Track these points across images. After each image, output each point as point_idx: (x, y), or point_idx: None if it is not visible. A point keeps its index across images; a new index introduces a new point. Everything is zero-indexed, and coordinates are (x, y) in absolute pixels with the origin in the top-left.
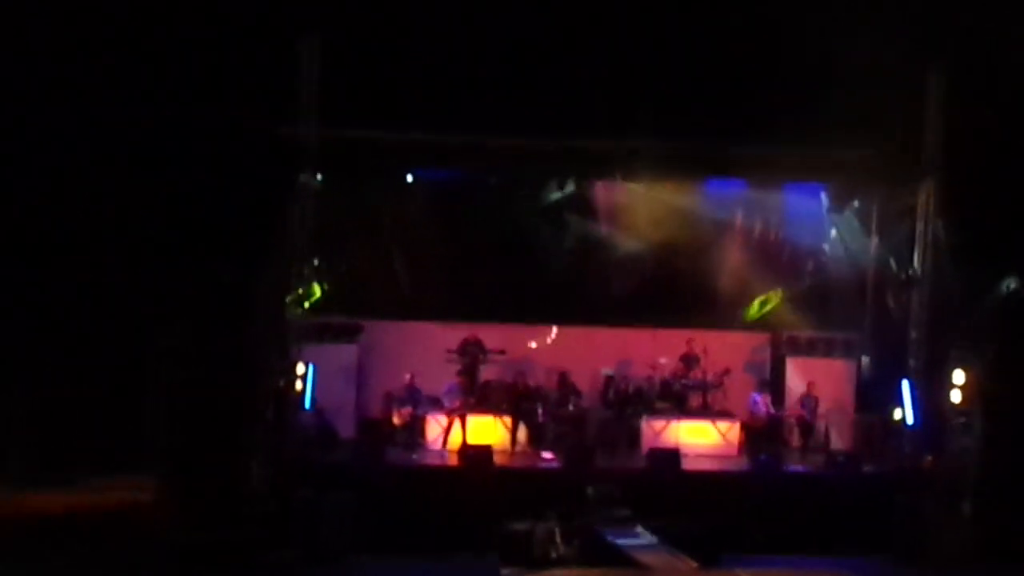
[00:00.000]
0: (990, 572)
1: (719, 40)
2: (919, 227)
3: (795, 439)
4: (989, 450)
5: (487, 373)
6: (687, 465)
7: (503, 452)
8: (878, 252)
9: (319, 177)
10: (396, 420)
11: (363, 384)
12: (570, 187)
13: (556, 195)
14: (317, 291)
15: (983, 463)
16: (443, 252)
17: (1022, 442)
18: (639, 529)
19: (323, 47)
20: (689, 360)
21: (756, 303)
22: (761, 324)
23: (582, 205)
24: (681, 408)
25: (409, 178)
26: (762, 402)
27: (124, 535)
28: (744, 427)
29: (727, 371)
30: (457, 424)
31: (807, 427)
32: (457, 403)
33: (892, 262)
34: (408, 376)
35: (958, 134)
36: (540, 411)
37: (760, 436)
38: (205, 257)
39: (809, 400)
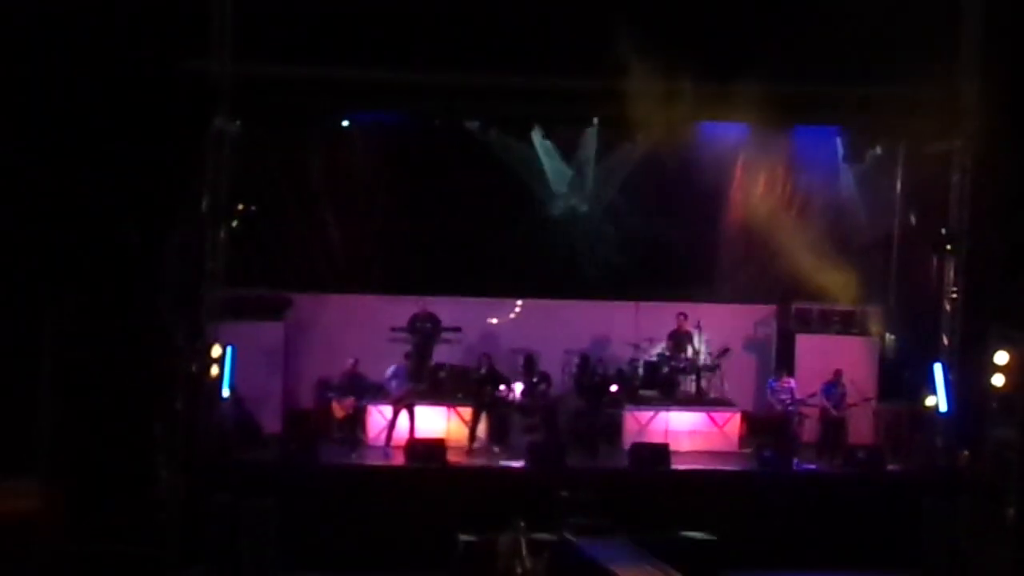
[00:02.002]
0: None
1: None
2: (954, 180)
3: (806, 432)
4: None
5: (439, 355)
6: (677, 463)
7: (459, 449)
8: (905, 210)
9: (237, 122)
10: (337, 413)
11: (291, 369)
12: (537, 135)
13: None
14: None
15: None
16: (386, 211)
17: None
18: (620, 540)
19: None
20: (679, 338)
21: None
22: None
23: (551, 155)
24: (670, 396)
25: (344, 123)
26: (781, 388)
27: (5, 548)
28: (746, 418)
29: (725, 351)
30: (404, 416)
31: (834, 423)
32: (404, 390)
33: (921, 222)
34: (351, 361)
35: (1001, 71)
36: (504, 400)
37: (765, 429)
38: (102, 217)
39: (834, 389)
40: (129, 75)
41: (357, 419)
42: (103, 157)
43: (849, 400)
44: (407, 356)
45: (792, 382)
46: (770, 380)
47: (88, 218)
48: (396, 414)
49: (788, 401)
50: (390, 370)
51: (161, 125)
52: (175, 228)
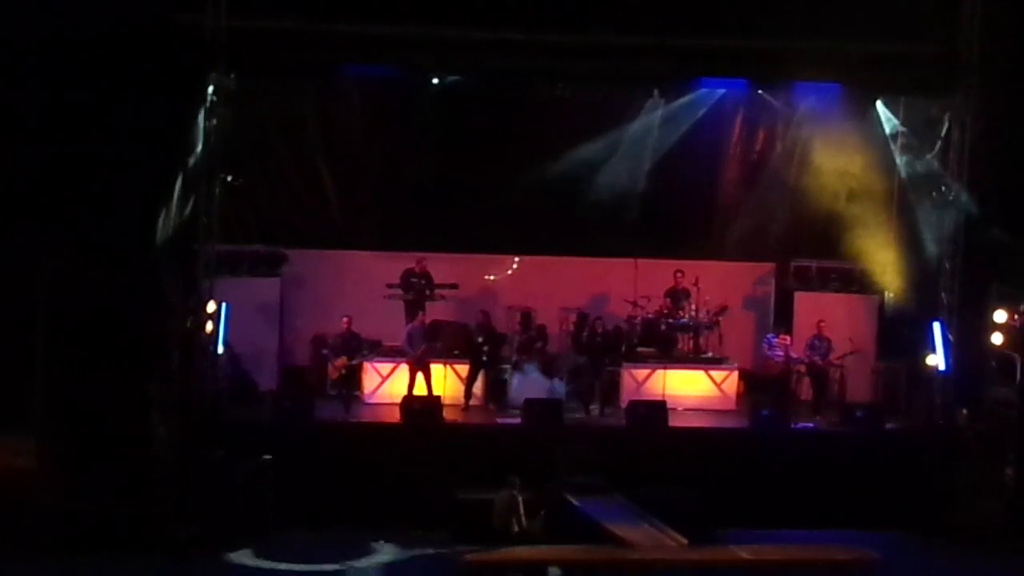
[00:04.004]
0: None
1: None
2: (955, 135)
3: (804, 390)
4: None
5: (435, 311)
6: (675, 421)
7: (455, 406)
8: (905, 165)
9: (231, 77)
10: (332, 374)
11: (287, 326)
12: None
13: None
14: None
15: None
16: (382, 167)
17: None
18: (617, 498)
19: None
20: (678, 296)
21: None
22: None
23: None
24: (668, 353)
25: (340, 78)
26: (779, 345)
27: (1, 505)
28: (744, 376)
29: (723, 308)
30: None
31: (819, 375)
32: (422, 349)
33: (922, 177)
34: (345, 320)
35: (1001, 26)
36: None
37: (763, 387)
38: (97, 173)
39: (819, 343)
40: (124, 29)
41: (352, 377)
42: (97, 112)
43: (837, 352)
44: (409, 313)
45: (788, 339)
46: (768, 335)
47: (83, 174)
48: (414, 374)
49: (783, 358)
50: (407, 330)
51: (156, 79)
52: (170, 183)
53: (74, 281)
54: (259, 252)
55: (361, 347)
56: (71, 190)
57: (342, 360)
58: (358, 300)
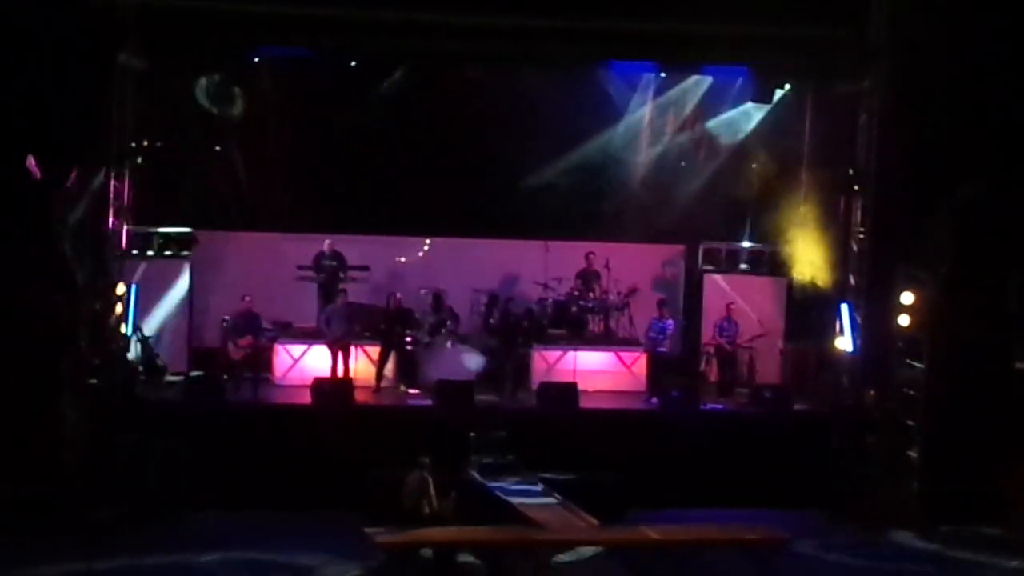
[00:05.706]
0: (941, 530)
1: None
2: (862, 119)
3: (713, 372)
4: (941, 384)
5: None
6: (585, 403)
7: (366, 388)
8: (812, 149)
9: (142, 57)
10: (234, 354)
11: (197, 307)
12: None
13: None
14: None
15: (933, 399)
16: (293, 149)
17: (979, 375)
18: (528, 479)
19: None
20: (588, 277)
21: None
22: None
23: (451, 90)
24: (578, 335)
25: (252, 59)
26: (659, 329)
27: None
28: (652, 358)
29: (634, 290)
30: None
31: (727, 357)
32: (342, 331)
33: (830, 162)
34: (246, 299)
35: (912, 8)
36: (411, 338)
37: (672, 369)
38: (5, 154)
39: (728, 325)
40: (33, 6)
41: (259, 357)
42: (5, 91)
43: (745, 336)
44: (328, 297)
45: (669, 322)
46: (653, 320)
47: None
48: (335, 355)
49: (658, 340)
50: (327, 312)
51: (66, 59)
52: (79, 164)
53: None
54: (169, 234)
55: (261, 327)
56: None
57: (247, 340)
58: (268, 281)
